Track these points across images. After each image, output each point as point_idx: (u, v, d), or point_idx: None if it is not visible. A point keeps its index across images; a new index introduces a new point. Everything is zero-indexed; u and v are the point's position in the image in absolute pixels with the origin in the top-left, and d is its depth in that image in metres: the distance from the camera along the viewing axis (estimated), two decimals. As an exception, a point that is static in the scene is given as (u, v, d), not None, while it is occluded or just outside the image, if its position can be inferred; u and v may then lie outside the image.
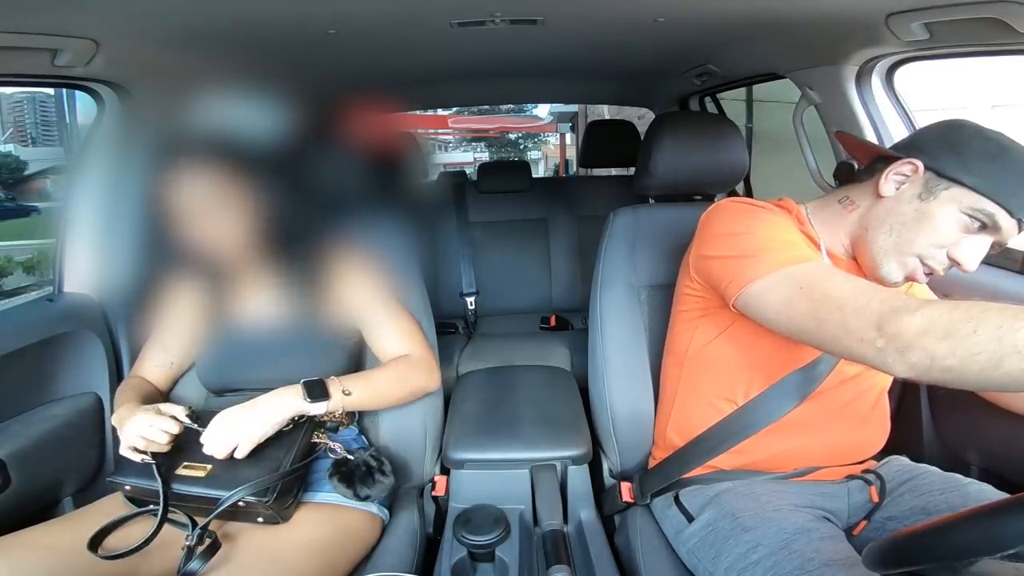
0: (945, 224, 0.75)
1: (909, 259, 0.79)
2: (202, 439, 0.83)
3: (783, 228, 0.81)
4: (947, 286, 1.08)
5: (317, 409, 0.89)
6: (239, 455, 0.83)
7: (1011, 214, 0.73)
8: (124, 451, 0.84)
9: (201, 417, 0.93)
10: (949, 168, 0.74)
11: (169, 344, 1.02)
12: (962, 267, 0.76)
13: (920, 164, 0.77)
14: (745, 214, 0.83)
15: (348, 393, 0.92)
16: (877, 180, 0.80)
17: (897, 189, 0.79)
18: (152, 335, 1.03)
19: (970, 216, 0.74)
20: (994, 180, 0.72)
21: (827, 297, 0.67)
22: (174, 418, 0.86)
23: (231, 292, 0.99)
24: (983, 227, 0.75)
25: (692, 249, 0.92)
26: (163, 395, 1.03)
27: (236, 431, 0.83)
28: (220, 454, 0.82)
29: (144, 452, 0.83)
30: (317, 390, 0.89)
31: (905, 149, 0.80)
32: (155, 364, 1.02)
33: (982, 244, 0.76)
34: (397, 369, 0.99)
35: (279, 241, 0.97)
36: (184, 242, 0.91)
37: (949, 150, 0.75)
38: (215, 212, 0.90)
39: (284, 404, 0.87)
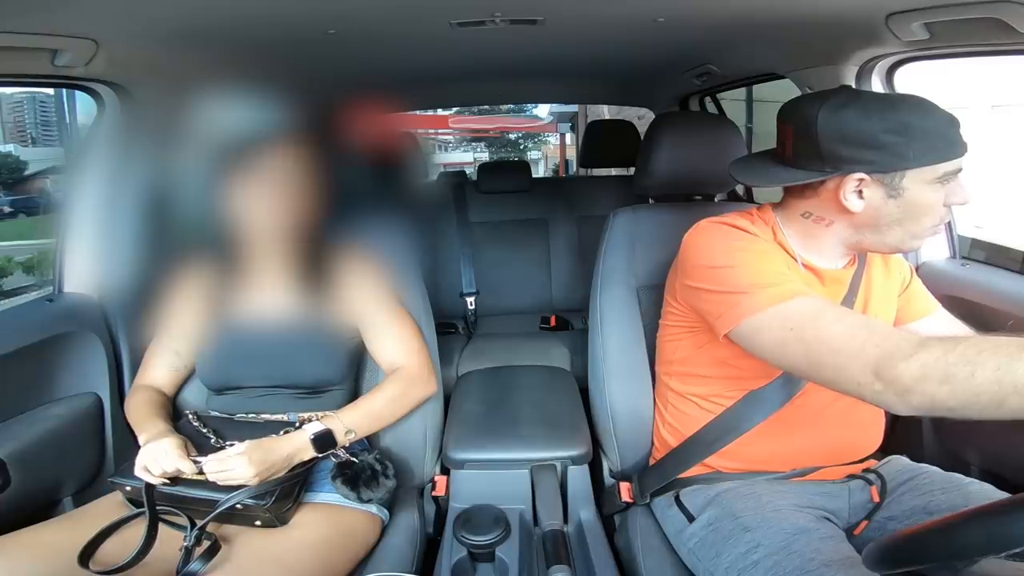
0: (930, 200, 0.76)
1: (924, 233, 0.80)
2: (217, 466, 0.82)
3: (767, 256, 0.81)
4: (948, 285, 1.09)
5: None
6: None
7: (958, 157, 0.75)
8: (139, 471, 0.84)
9: (208, 425, 0.93)
10: (887, 165, 0.75)
11: (179, 346, 1.02)
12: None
13: (864, 176, 0.76)
14: (728, 243, 0.82)
15: (351, 432, 0.94)
16: (834, 196, 0.79)
17: (861, 198, 0.78)
18: (157, 337, 1.03)
19: (940, 181, 0.75)
20: (926, 148, 0.74)
21: (819, 340, 0.68)
22: (199, 466, 0.84)
23: (234, 290, 0.99)
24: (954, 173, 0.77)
25: (677, 273, 0.92)
26: (171, 400, 1.03)
27: (252, 478, 0.82)
28: (223, 483, 0.83)
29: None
30: (326, 443, 0.91)
31: (818, 161, 0.78)
32: (166, 367, 1.02)
33: (961, 179, 0.78)
34: (395, 388, 1.00)
35: (281, 241, 0.97)
36: (190, 236, 0.91)
37: (871, 150, 0.75)
38: (218, 211, 0.91)
39: (296, 457, 0.88)
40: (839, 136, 0.76)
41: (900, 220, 0.78)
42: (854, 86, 1.15)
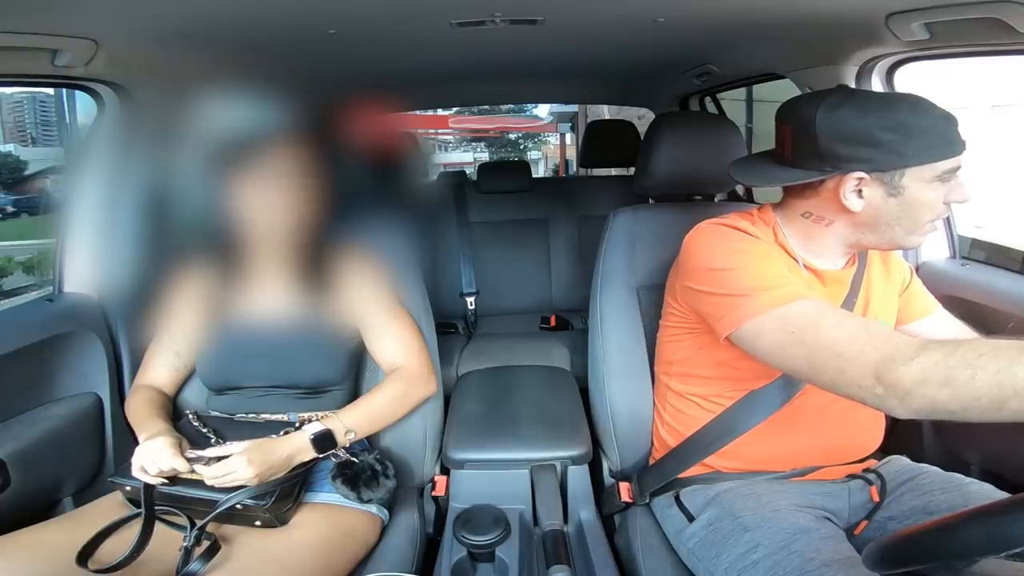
0: (930, 198, 0.76)
1: (923, 230, 0.80)
2: (219, 470, 0.82)
3: (767, 258, 0.81)
4: (948, 285, 1.09)
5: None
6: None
7: (957, 155, 0.75)
8: (136, 471, 0.83)
9: (208, 425, 0.93)
10: (886, 164, 0.75)
11: (179, 346, 1.02)
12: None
13: (864, 175, 0.76)
14: (729, 246, 0.82)
15: (351, 432, 0.93)
16: (834, 196, 0.79)
17: (861, 197, 0.78)
18: (158, 337, 1.03)
19: (940, 180, 0.75)
20: (924, 146, 0.73)
21: (820, 344, 0.68)
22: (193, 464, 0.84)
23: (235, 290, 0.99)
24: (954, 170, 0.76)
25: (677, 274, 0.92)
26: (171, 400, 1.03)
27: (251, 478, 0.82)
28: (223, 484, 0.82)
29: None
30: (326, 443, 0.91)
31: (816, 160, 0.78)
32: (166, 367, 1.02)
33: (961, 177, 0.78)
34: (395, 389, 1.00)
35: (281, 241, 0.97)
36: (190, 236, 0.91)
37: (869, 148, 0.75)
38: (218, 211, 0.92)
39: (297, 457, 0.88)
40: (837, 135, 0.76)
41: (900, 218, 0.78)
42: (854, 86, 1.15)
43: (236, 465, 0.81)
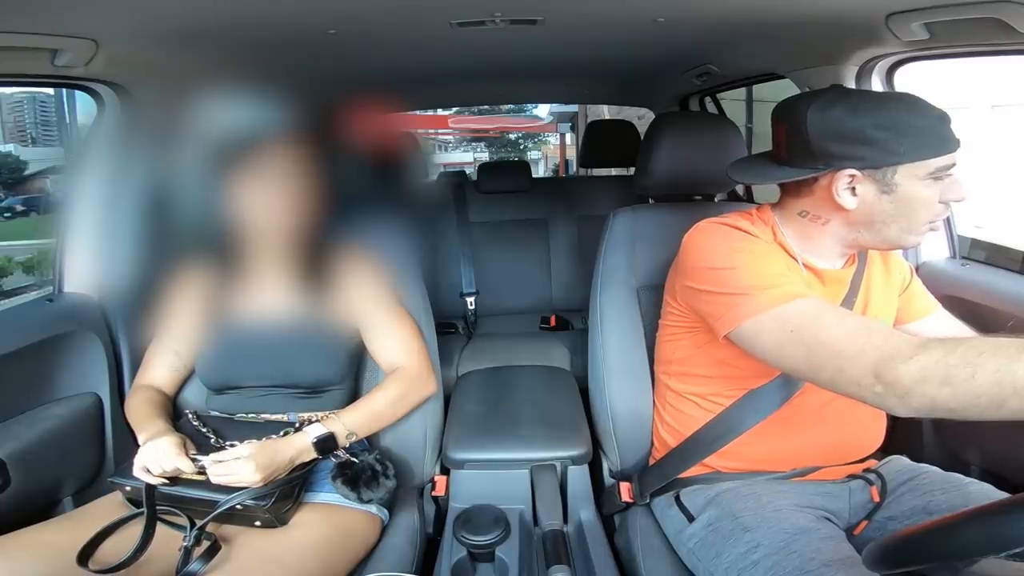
0: (923, 196, 0.76)
1: (921, 229, 0.80)
2: (223, 469, 0.82)
3: (767, 257, 0.81)
4: (948, 285, 1.09)
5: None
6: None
7: (950, 152, 0.74)
8: (138, 471, 0.84)
9: (208, 424, 0.93)
10: (878, 161, 0.75)
11: (179, 346, 1.02)
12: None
13: (856, 172, 0.76)
14: (728, 245, 0.82)
15: (353, 433, 0.94)
16: (828, 194, 0.79)
17: (854, 195, 0.78)
18: (157, 337, 1.03)
19: (933, 177, 0.75)
20: (917, 144, 0.74)
21: (820, 343, 0.68)
22: (198, 465, 0.84)
23: (234, 290, 0.99)
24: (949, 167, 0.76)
25: (677, 273, 0.92)
26: (171, 400, 1.03)
27: (256, 482, 0.82)
28: (226, 483, 0.83)
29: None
30: (328, 445, 0.91)
31: (810, 159, 0.79)
32: (166, 367, 1.02)
33: (956, 175, 0.78)
34: (395, 389, 1.00)
35: (280, 241, 0.97)
36: (190, 236, 0.91)
37: (862, 146, 0.75)
38: (218, 211, 0.92)
39: (299, 459, 0.88)
40: (829, 133, 0.76)
41: (895, 216, 0.78)
42: (854, 86, 1.15)
43: (241, 468, 0.81)
